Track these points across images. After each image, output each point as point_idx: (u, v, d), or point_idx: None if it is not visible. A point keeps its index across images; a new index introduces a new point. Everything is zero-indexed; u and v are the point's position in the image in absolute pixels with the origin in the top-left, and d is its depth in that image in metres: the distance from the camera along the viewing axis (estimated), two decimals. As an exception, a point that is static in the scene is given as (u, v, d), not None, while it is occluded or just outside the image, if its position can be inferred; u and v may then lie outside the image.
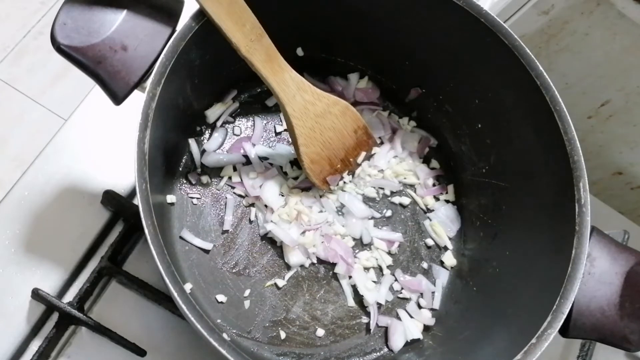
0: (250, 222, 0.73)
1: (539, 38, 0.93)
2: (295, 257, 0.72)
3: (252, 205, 0.74)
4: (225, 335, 0.53)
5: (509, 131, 0.70)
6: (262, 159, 0.76)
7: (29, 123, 1.57)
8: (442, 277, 0.76)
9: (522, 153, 0.69)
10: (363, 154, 0.77)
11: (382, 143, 0.80)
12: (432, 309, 0.74)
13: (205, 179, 0.73)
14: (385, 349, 0.72)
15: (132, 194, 0.73)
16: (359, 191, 0.78)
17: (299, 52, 0.77)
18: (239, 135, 0.77)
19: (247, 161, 0.75)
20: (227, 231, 0.72)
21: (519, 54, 0.64)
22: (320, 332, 0.70)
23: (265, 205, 0.73)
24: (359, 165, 0.77)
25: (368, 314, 0.72)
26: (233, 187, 0.74)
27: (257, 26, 0.61)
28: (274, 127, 0.78)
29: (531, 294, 0.63)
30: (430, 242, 0.78)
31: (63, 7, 0.56)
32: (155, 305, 0.69)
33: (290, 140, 0.73)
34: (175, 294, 0.51)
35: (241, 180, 0.74)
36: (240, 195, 0.74)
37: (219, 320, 0.67)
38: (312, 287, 0.72)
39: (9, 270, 0.67)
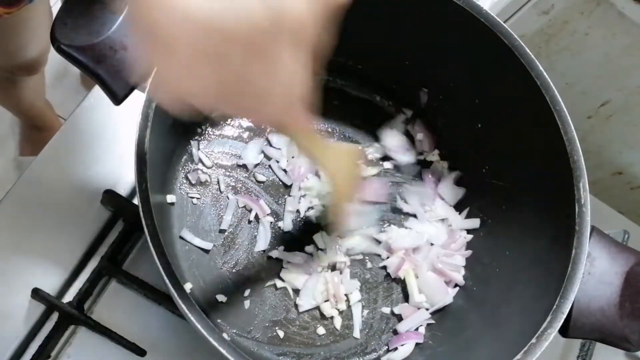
0: (250, 222, 0.73)
1: (539, 38, 0.93)
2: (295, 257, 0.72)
3: (252, 205, 0.74)
4: (225, 335, 0.53)
5: (509, 131, 0.70)
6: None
7: (28, 123, 1.56)
8: (442, 277, 0.76)
9: (522, 153, 0.69)
10: None
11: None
12: (432, 309, 0.74)
13: (205, 178, 0.73)
14: (386, 349, 0.72)
15: (132, 193, 0.73)
16: None
17: (299, 52, 0.77)
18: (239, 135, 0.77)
19: (247, 161, 0.75)
20: (226, 231, 0.72)
21: (519, 54, 0.64)
22: (321, 331, 0.70)
23: (265, 205, 0.73)
24: None
25: (368, 314, 0.72)
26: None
27: None
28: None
29: (531, 293, 0.63)
30: (430, 242, 0.78)
31: (63, 7, 0.56)
32: (155, 305, 0.69)
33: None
34: (175, 294, 0.51)
35: (241, 180, 0.74)
36: (240, 195, 0.74)
37: (219, 320, 0.67)
38: (312, 287, 0.72)
39: (9, 270, 0.67)
